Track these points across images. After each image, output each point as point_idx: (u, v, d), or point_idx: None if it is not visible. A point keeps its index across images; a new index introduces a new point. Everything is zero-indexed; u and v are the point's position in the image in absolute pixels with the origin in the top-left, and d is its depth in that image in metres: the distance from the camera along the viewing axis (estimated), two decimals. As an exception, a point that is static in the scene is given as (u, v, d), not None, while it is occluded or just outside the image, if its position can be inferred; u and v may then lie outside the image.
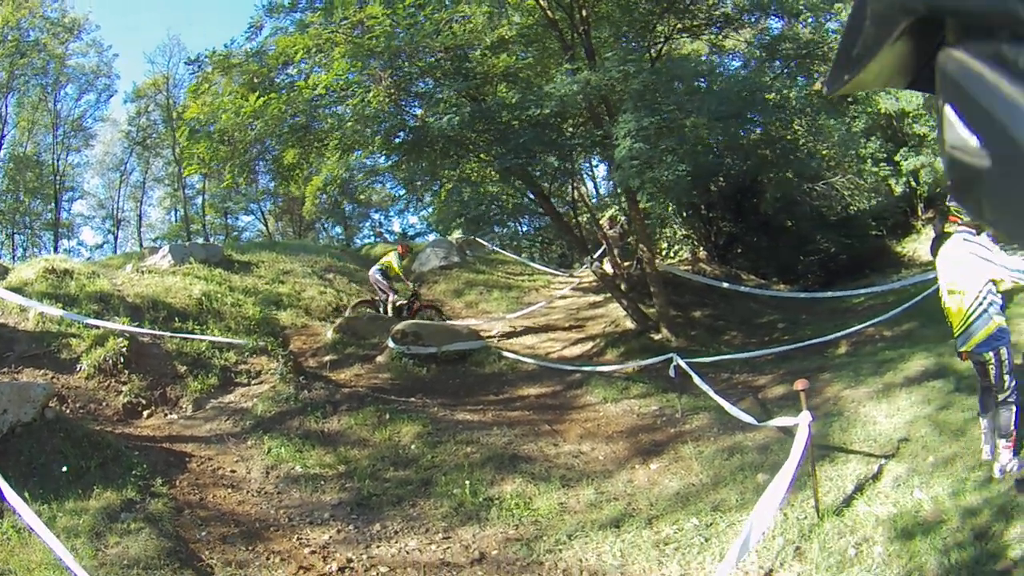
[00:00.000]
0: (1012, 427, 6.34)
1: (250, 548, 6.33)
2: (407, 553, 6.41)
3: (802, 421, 6.24)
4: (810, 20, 17.00)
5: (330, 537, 6.60)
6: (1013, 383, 6.32)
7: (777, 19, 17.74)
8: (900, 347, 12.23)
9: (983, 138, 0.62)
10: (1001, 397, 6.37)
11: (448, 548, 6.52)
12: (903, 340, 13.15)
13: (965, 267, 6.50)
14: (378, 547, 6.48)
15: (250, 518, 7.05)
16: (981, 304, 6.35)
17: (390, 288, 16.69)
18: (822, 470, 7.40)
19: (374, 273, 17.04)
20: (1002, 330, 6.39)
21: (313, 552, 6.33)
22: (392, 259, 17.03)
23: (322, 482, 7.69)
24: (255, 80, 13.40)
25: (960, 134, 0.65)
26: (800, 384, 6.64)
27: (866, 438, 8.24)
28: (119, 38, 69.71)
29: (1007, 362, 6.34)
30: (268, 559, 6.19)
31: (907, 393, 9.39)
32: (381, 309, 16.56)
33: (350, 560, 6.23)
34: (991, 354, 6.39)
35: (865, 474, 7.27)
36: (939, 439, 7.60)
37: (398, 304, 16.49)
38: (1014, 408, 6.34)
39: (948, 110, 0.68)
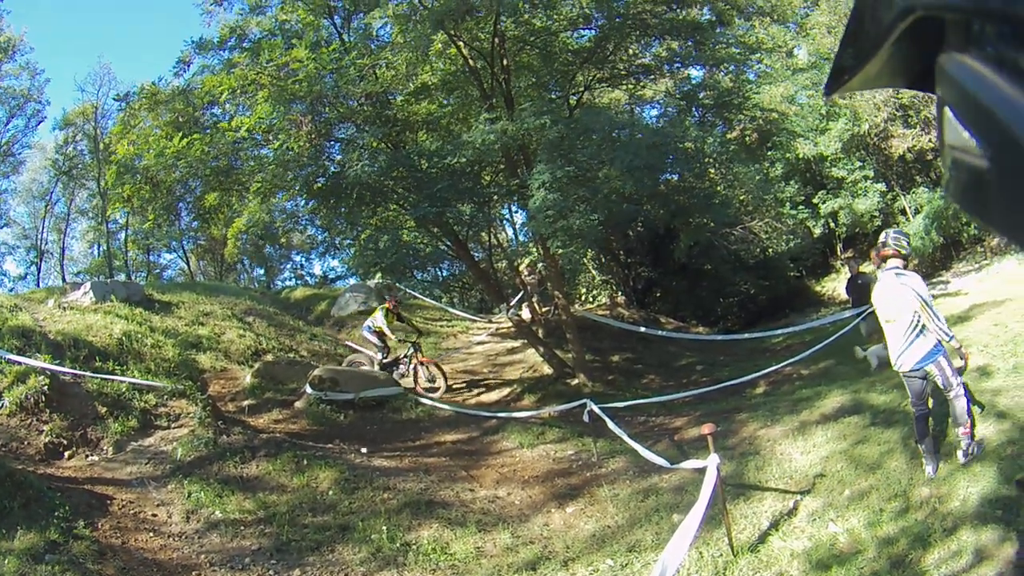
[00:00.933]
0: (966, 416, 7.14)
1: (172, 593, 6.23)
2: None
3: (711, 464, 6.37)
4: (731, 69, 17.38)
5: None
6: (957, 379, 7.06)
7: (698, 68, 18.15)
8: (817, 385, 12.47)
9: (983, 139, 0.63)
10: (952, 394, 7.08)
11: None
12: (820, 378, 13.43)
13: (900, 298, 7.21)
14: None
15: (172, 563, 6.92)
16: (916, 326, 7.05)
17: (384, 348, 16.05)
18: (737, 508, 7.58)
19: (364, 331, 16.58)
20: (937, 344, 7.07)
21: None
22: (379, 318, 16.20)
23: (242, 527, 7.58)
24: (180, 119, 13.31)
25: (960, 135, 0.66)
26: (707, 428, 6.79)
27: (781, 475, 8.41)
28: (50, 62, 67.87)
29: (948, 366, 7.03)
30: None
31: (823, 430, 9.60)
32: (375, 364, 15.98)
33: None
34: (932, 367, 7.08)
35: (780, 510, 7.43)
36: (855, 473, 7.80)
37: (386, 362, 15.85)
38: (964, 399, 7.12)
39: (948, 111, 0.69)
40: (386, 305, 16.64)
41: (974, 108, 0.63)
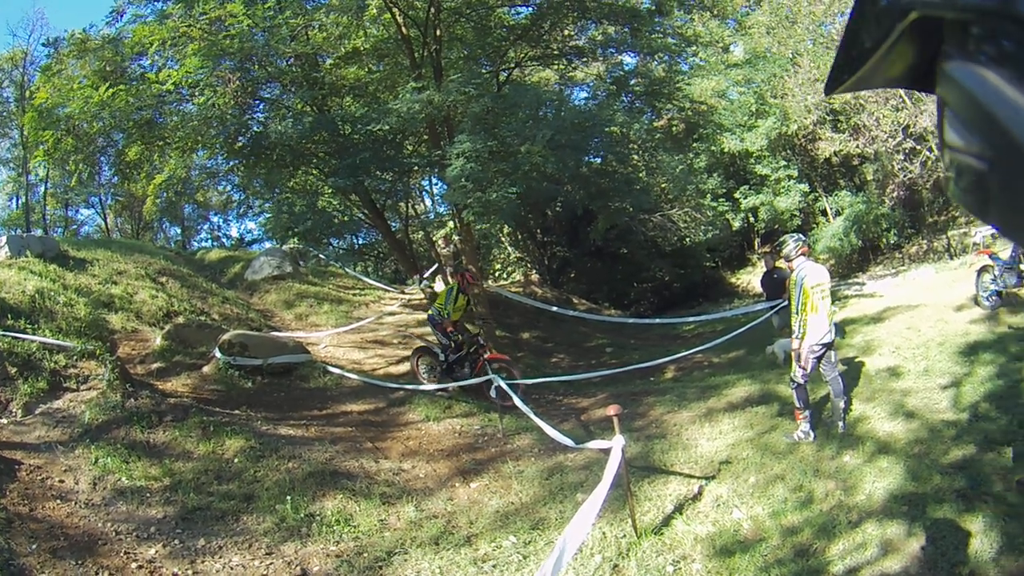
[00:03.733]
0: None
1: (80, 563, 6.03)
2: (231, 569, 6.24)
3: (615, 445, 6.40)
4: (665, 58, 17.49)
5: (156, 552, 6.36)
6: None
7: (632, 55, 18.24)
8: (726, 374, 12.76)
9: (983, 139, 0.63)
10: (840, 370, 8.50)
11: (271, 564, 6.37)
12: (729, 367, 13.73)
13: (827, 280, 8.54)
14: (203, 563, 6.29)
15: (79, 531, 6.70)
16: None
17: (449, 343, 13.13)
18: (642, 490, 7.66)
19: (430, 322, 13.56)
20: None
21: (141, 567, 6.09)
22: (443, 295, 13.42)
23: (148, 495, 7.38)
24: (107, 69, 12.95)
25: (960, 134, 0.67)
26: (612, 409, 6.81)
27: (687, 460, 8.53)
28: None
29: None
30: (98, 574, 5.98)
31: (730, 417, 9.85)
32: (436, 368, 13.31)
33: (176, 575, 6.09)
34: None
35: (685, 494, 7.53)
36: (760, 462, 7.96)
37: (452, 361, 13.10)
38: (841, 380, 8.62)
39: (948, 110, 0.69)
40: (453, 280, 13.98)
41: (974, 108, 0.63)
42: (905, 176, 25.38)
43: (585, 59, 17.34)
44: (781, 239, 9.19)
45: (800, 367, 8.33)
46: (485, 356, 12.93)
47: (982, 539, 5.33)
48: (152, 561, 6.16)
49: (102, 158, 16.32)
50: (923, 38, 0.69)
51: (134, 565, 6.07)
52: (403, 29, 13.91)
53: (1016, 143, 0.58)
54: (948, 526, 5.79)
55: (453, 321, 13.06)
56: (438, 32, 14.15)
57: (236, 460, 8.33)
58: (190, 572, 6.09)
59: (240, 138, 13.24)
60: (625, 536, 6.68)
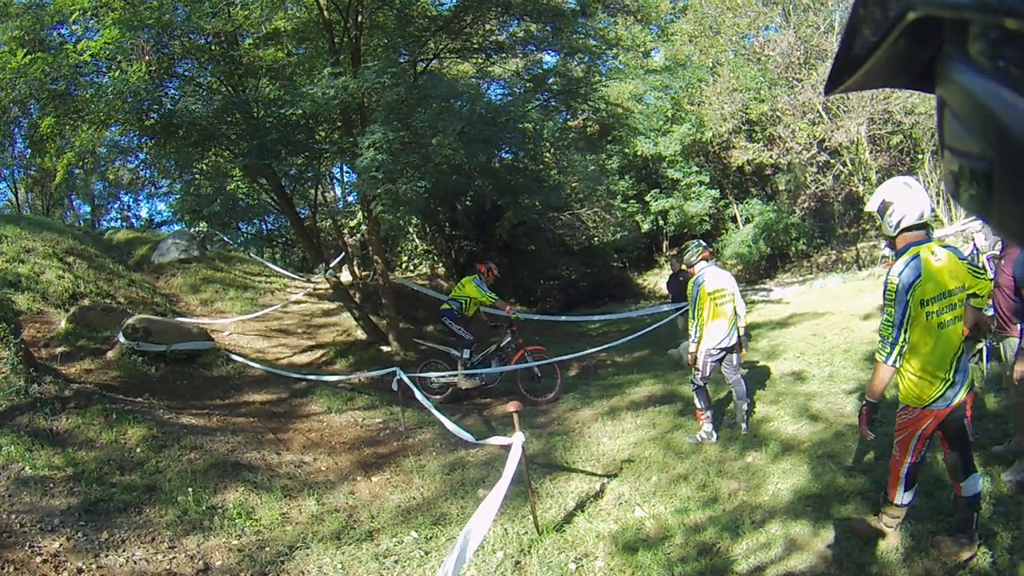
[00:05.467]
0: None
1: (-17, 556, 5.93)
2: (135, 563, 6.09)
3: (515, 441, 6.43)
4: (585, 59, 17.66)
5: (60, 545, 6.19)
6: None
7: (552, 54, 18.37)
8: (629, 373, 13.01)
9: (983, 139, 0.63)
10: (743, 372, 8.94)
11: (174, 559, 6.23)
12: (633, 366, 13.94)
13: (732, 285, 8.76)
14: (107, 556, 6.13)
15: None
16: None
17: (471, 339, 12.61)
18: (544, 487, 7.72)
19: (445, 319, 12.84)
20: None
21: (45, 561, 5.92)
22: (471, 286, 12.80)
23: (51, 485, 7.14)
24: (26, 36, 12.51)
25: (960, 134, 0.67)
26: (512, 406, 6.81)
27: (589, 457, 8.65)
28: None
29: None
30: (3, 568, 5.84)
31: (633, 416, 10.04)
32: (459, 367, 12.48)
33: (80, 570, 5.88)
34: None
35: (587, 492, 7.60)
36: (663, 461, 8.11)
37: (477, 361, 12.60)
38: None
39: (948, 110, 0.69)
40: (478, 270, 13.18)
41: (974, 108, 0.64)
42: (817, 188, 26.11)
43: (504, 55, 17.45)
44: (684, 244, 9.33)
45: (697, 370, 8.56)
46: (526, 347, 12.63)
47: (888, 539, 5.45)
48: (56, 555, 6.02)
49: (15, 129, 15.77)
50: (923, 38, 0.70)
51: (38, 559, 5.94)
52: (325, 13, 13.77)
53: (1016, 143, 0.59)
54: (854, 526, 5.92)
55: (467, 316, 12.84)
56: (360, 18, 14.06)
57: (138, 449, 8.15)
58: (94, 567, 5.97)
59: (152, 114, 12.92)
60: (527, 533, 6.72)
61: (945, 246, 4.93)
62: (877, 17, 0.72)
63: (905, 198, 4.76)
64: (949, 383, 4.78)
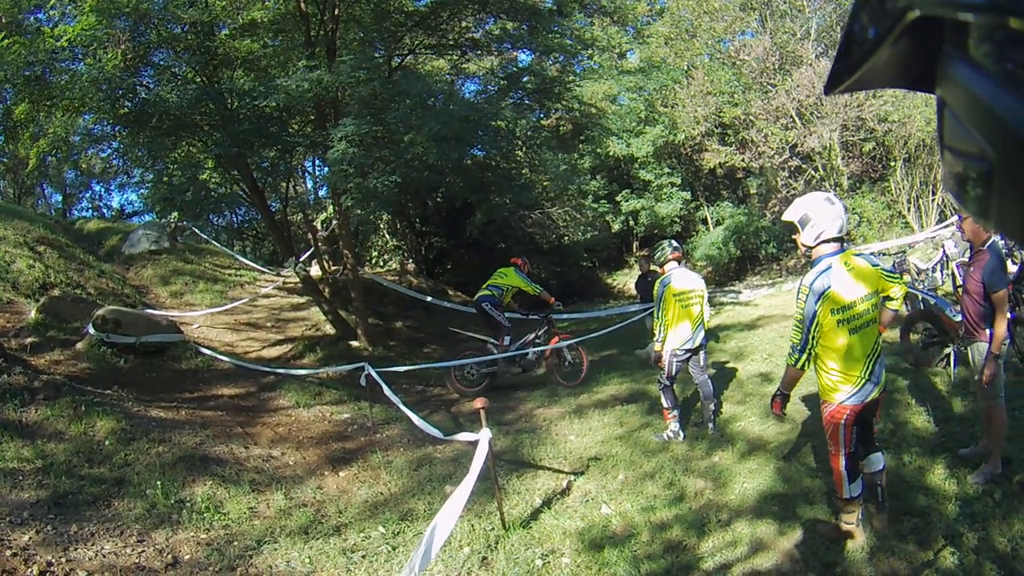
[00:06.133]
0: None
1: (-47, 550, 5.89)
2: (104, 556, 6.06)
3: (482, 438, 6.46)
4: (559, 59, 17.72)
5: (30, 539, 6.15)
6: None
7: (527, 52, 18.42)
8: (598, 372, 13.03)
9: (982, 139, 0.63)
10: (711, 373, 9.13)
11: (143, 552, 6.19)
12: (601, 365, 13.93)
13: (699, 286, 8.89)
14: (76, 550, 6.09)
15: None
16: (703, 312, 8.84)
17: (507, 328, 12.90)
18: (511, 484, 7.78)
19: (485, 305, 13.01)
20: None
21: (15, 555, 5.88)
22: (516, 276, 13.21)
23: (21, 478, 7.08)
24: (3, 20, 12.45)
25: (960, 134, 0.67)
26: (479, 403, 6.86)
27: (556, 455, 8.69)
28: None
29: None
30: None
31: (600, 415, 10.13)
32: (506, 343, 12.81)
33: (50, 563, 5.85)
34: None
35: (554, 489, 7.65)
36: (630, 459, 8.17)
37: (515, 350, 12.71)
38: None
39: (948, 110, 0.70)
40: (514, 263, 13.63)
41: (974, 108, 0.64)
42: (788, 192, 26.14)
43: (480, 52, 17.51)
44: (656, 244, 9.42)
45: (663, 369, 8.69)
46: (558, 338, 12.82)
47: (856, 539, 5.51)
48: (26, 548, 6.00)
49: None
50: (923, 38, 0.70)
51: (8, 552, 5.92)
52: (302, 4, 13.75)
53: (1016, 143, 0.59)
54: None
55: (505, 305, 13.06)
56: (336, 11, 14.04)
57: (107, 442, 8.12)
58: (63, 560, 5.95)
59: (126, 103, 12.86)
60: (494, 529, 6.75)
61: (859, 255, 5.23)
62: (877, 17, 0.73)
63: (827, 213, 5.04)
64: (864, 381, 5.07)
